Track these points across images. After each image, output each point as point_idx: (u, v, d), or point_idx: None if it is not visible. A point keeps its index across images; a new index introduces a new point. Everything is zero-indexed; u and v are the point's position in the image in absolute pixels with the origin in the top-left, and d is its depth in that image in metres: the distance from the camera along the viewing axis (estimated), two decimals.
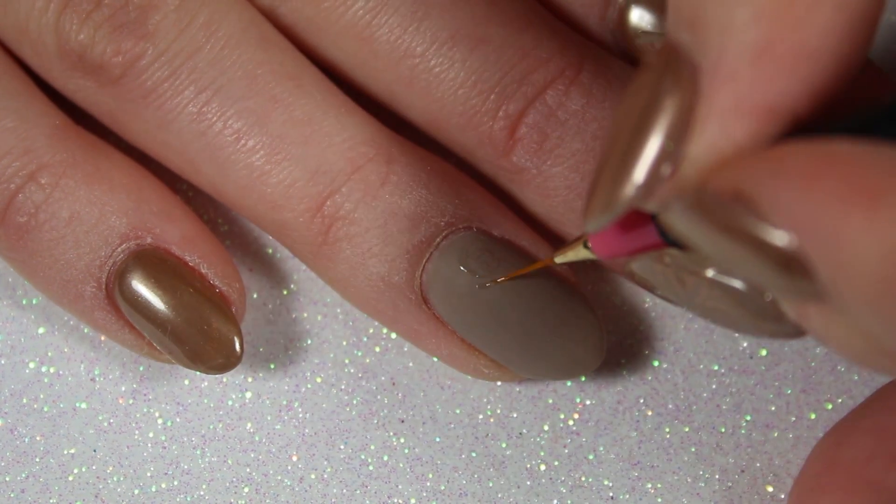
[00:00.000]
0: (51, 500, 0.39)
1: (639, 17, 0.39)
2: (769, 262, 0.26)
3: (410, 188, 0.37)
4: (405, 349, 0.40)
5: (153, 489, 0.39)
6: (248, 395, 0.40)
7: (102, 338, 0.40)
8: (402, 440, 0.40)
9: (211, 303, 0.37)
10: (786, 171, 0.26)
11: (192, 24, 0.37)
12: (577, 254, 0.34)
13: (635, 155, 0.28)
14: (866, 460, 0.36)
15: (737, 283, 0.31)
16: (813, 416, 0.40)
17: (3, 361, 0.40)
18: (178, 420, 0.39)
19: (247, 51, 0.37)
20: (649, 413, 0.40)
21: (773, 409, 0.40)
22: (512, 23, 0.37)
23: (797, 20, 0.26)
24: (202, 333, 0.37)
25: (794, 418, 0.40)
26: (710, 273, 0.31)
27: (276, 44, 0.38)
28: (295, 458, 0.40)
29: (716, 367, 0.40)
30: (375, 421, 0.40)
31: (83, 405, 0.40)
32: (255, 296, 0.40)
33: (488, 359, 0.38)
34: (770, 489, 0.39)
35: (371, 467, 0.39)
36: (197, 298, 0.37)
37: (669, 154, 0.28)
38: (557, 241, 0.39)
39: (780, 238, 0.26)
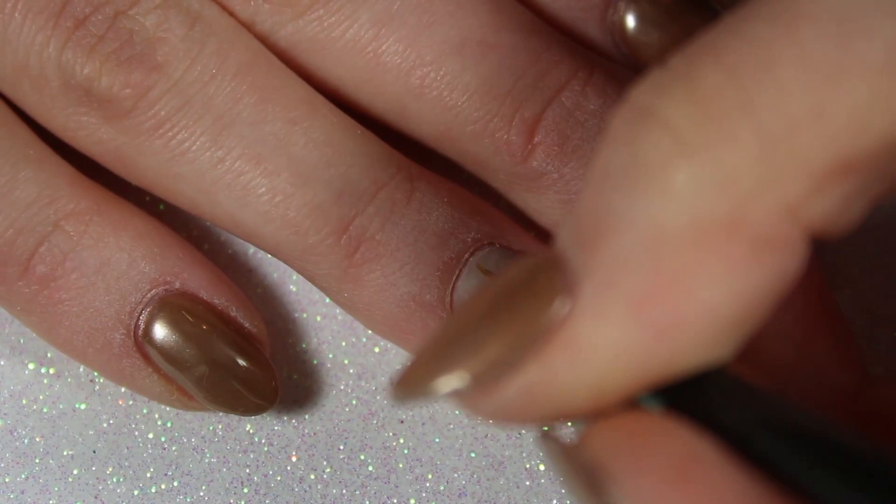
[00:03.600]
0: (50, 501, 0.39)
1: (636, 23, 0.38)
2: None
3: (435, 205, 0.37)
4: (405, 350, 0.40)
5: (153, 490, 0.39)
6: None
7: None
8: (401, 441, 0.40)
9: (242, 344, 0.37)
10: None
11: (202, 53, 0.36)
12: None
13: (476, 349, 0.26)
14: None
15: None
16: None
17: (2, 362, 0.40)
18: (177, 421, 0.39)
19: (259, 77, 0.36)
20: None
21: None
22: (521, 28, 0.37)
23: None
24: (236, 377, 0.36)
25: None
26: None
27: (285, 70, 0.37)
28: (294, 459, 0.39)
29: None
30: (375, 421, 0.40)
31: (83, 406, 0.40)
32: (257, 295, 0.40)
33: None
34: None
35: (370, 468, 0.39)
36: (229, 341, 0.37)
37: (505, 366, 0.26)
38: None
39: None
